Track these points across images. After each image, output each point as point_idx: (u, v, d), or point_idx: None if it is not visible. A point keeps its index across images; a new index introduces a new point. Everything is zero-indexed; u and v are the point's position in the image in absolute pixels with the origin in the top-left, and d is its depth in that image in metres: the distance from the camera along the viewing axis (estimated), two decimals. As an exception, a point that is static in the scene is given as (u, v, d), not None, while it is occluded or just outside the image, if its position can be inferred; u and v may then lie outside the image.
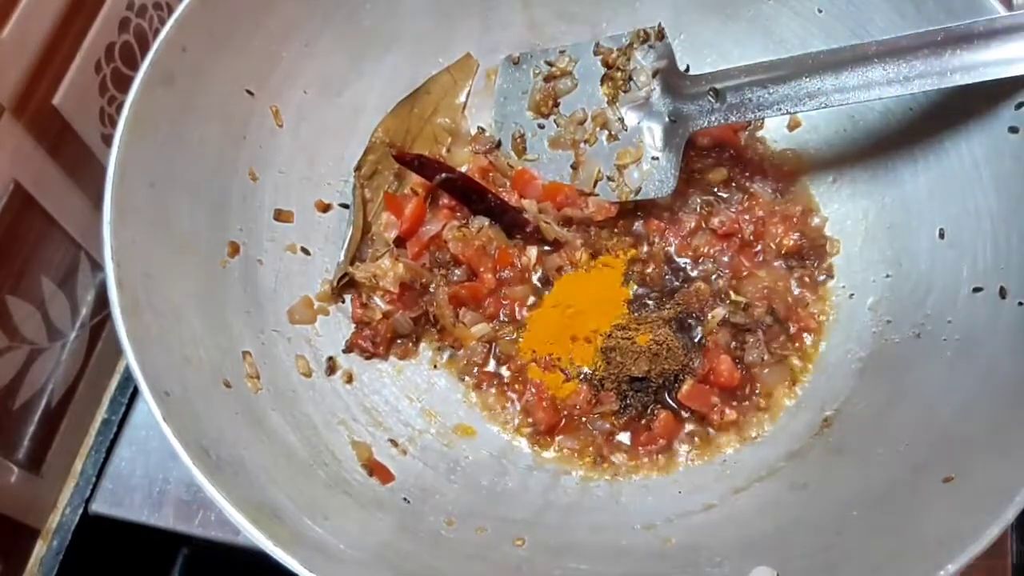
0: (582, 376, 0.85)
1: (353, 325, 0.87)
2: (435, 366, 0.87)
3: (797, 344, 0.86)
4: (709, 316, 0.87)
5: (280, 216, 0.85)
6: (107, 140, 0.86)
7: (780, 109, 0.84)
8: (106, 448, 0.90)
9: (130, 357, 0.63)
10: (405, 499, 0.75)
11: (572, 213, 0.91)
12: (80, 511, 0.88)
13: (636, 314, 0.88)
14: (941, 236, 0.80)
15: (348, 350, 0.85)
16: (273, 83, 0.85)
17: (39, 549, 0.88)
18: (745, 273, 0.89)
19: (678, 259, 0.91)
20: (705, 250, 0.90)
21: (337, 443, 0.77)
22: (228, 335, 0.75)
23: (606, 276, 0.90)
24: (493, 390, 0.86)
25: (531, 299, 0.89)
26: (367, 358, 0.86)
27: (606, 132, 0.93)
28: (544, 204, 0.92)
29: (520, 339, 0.87)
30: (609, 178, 0.92)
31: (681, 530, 0.73)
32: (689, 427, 0.83)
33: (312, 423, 0.77)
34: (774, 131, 0.96)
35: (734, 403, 0.83)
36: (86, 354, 0.92)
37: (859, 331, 0.84)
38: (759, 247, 0.91)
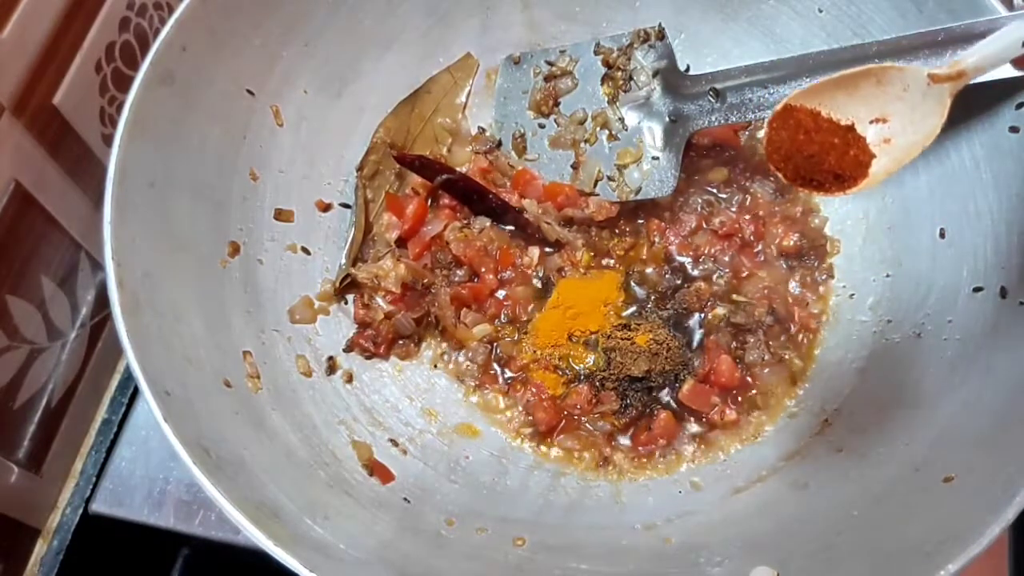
0: (582, 376, 0.85)
1: (354, 325, 0.87)
2: (436, 366, 0.87)
3: (797, 344, 0.86)
4: (709, 316, 0.87)
5: (280, 216, 0.86)
6: (107, 140, 0.86)
7: (780, 109, 0.84)
8: (106, 448, 0.90)
9: (130, 357, 0.63)
10: (405, 499, 0.75)
11: (573, 213, 0.91)
12: (80, 511, 0.88)
13: (636, 314, 0.88)
14: (942, 236, 0.80)
15: (349, 349, 0.85)
16: (273, 83, 0.85)
17: (39, 549, 0.88)
18: (745, 273, 0.89)
19: (678, 259, 0.91)
20: (705, 250, 0.90)
21: (337, 443, 0.77)
22: (228, 335, 0.75)
23: (607, 276, 0.90)
24: (494, 390, 0.86)
25: (532, 300, 0.89)
26: (368, 358, 0.86)
27: (606, 132, 0.93)
28: (545, 204, 0.92)
29: (521, 340, 0.87)
30: (609, 178, 0.92)
31: (681, 530, 0.73)
32: (689, 427, 0.83)
33: (312, 423, 0.77)
34: (774, 131, 0.96)
35: (734, 403, 0.83)
36: (86, 354, 0.92)
37: (859, 331, 0.84)
38: (759, 247, 0.91)
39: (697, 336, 0.87)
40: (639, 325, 0.86)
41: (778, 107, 0.66)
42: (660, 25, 0.91)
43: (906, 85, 0.65)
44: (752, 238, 0.91)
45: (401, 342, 0.87)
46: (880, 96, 0.66)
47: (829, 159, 0.65)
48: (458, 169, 0.93)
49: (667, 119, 0.91)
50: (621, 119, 0.93)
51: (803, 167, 0.66)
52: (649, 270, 0.91)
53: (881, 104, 0.66)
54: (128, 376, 0.94)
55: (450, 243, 0.89)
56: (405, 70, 0.94)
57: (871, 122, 0.66)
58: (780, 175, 0.67)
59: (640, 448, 0.82)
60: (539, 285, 0.90)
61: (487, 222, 0.90)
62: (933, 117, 0.65)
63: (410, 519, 0.72)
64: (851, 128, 0.65)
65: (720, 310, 0.87)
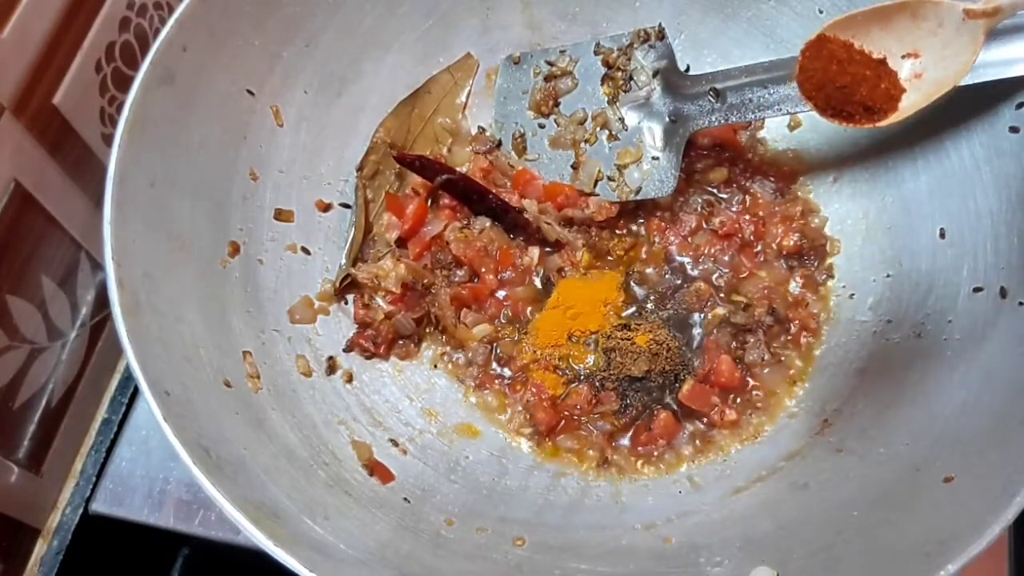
0: (582, 376, 0.85)
1: (354, 325, 0.87)
2: (436, 366, 0.87)
3: (797, 344, 0.86)
4: (709, 316, 0.87)
5: (280, 216, 0.86)
6: (107, 140, 0.86)
7: (780, 109, 0.84)
8: (106, 448, 0.90)
9: (130, 357, 0.63)
10: (405, 499, 0.75)
11: (573, 213, 0.91)
12: (80, 511, 0.88)
13: (636, 314, 0.88)
14: (942, 236, 0.80)
15: (349, 349, 0.85)
16: (273, 83, 0.85)
17: (39, 549, 0.88)
18: (745, 273, 0.89)
19: (678, 259, 0.91)
20: (705, 250, 0.90)
21: (337, 443, 0.77)
22: (228, 335, 0.75)
23: (607, 277, 0.90)
24: (494, 390, 0.86)
25: (532, 300, 0.89)
26: (368, 358, 0.86)
27: (606, 132, 0.93)
28: (545, 204, 0.92)
29: (521, 340, 0.87)
30: (609, 178, 0.92)
31: (681, 530, 0.73)
32: (689, 427, 0.83)
33: (312, 423, 0.77)
34: (774, 131, 0.96)
35: (734, 403, 0.83)
36: (86, 354, 0.92)
37: (859, 331, 0.84)
38: (759, 247, 0.91)
39: (697, 336, 0.87)
40: (639, 325, 0.86)
41: (812, 37, 0.67)
42: (660, 25, 0.91)
43: (940, 20, 0.65)
44: (752, 238, 0.91)
45: (401, 342, 0.87)
46: (914, 31, 0.66)
47: (860, 90, 0.66)
48: (458, 169, 0.93)
49: (667, 119, 0.91)
50: (621, 119, 0.93)
51: (834, 97, 0.67)
52: (649, 270, 0.91)
53: (914, 39, 0.66)
54: (128, 376, 0.94)
55: (450, 243, 0.89)
56: (405, 70, 0.94)
57: (903, 57, 0.66)
58: (810, 105, 0.68)
59: (640, 448, 0.82)
60: (539, 285, 0.90)
61: (487, 222, 0.90)
62: (965, 54, 0.64)
63: (410, 519, 0.72)
64: (883, 62, 0.66)
65: (720, 310, 0.87)
